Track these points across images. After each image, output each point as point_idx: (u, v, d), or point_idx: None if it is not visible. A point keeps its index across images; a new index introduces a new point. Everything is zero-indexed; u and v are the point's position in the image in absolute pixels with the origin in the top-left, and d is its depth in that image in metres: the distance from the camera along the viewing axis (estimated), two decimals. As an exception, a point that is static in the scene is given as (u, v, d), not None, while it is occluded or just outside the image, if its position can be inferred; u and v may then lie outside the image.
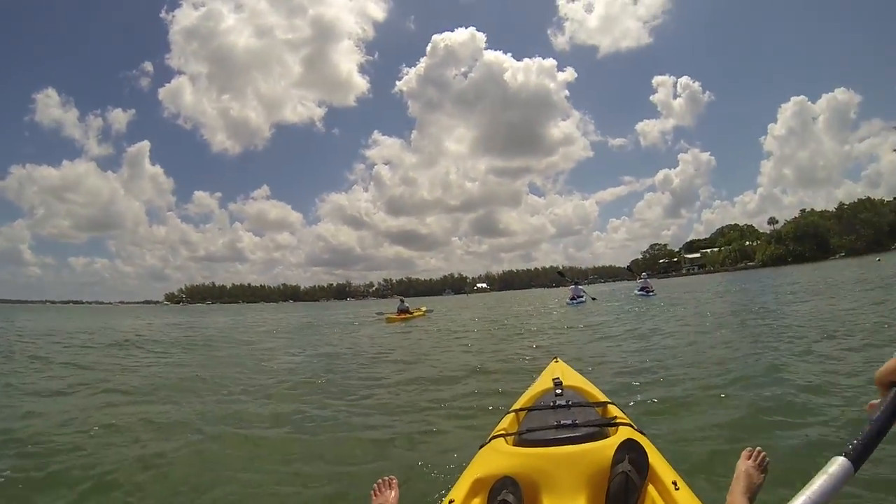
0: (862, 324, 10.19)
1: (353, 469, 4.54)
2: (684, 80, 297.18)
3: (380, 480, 3.01)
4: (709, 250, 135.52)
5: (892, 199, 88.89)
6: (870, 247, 75.42)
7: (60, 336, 19.97)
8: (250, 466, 4.70)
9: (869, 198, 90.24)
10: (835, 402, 5.14)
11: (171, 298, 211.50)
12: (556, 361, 4.45)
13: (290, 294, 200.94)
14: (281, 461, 4.83)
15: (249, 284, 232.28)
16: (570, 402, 3.14)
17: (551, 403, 3.17)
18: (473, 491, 2.43)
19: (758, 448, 2.59)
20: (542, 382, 3.78)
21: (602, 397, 3.41)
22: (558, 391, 3.41)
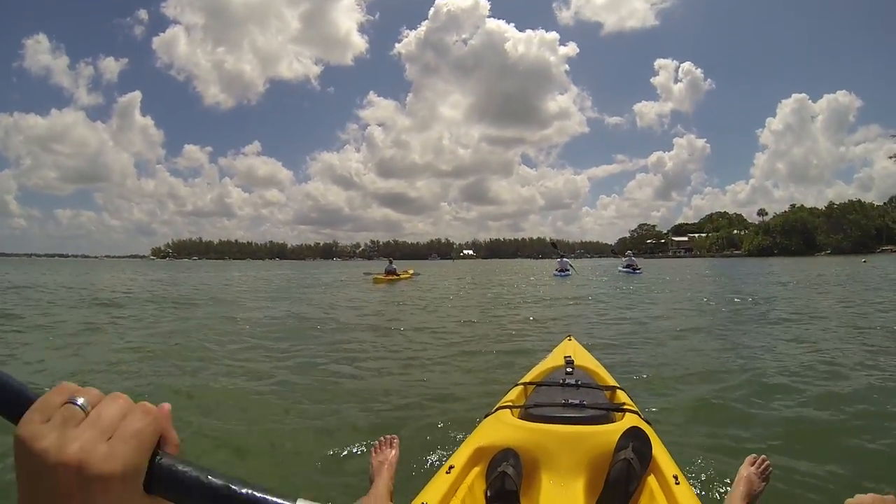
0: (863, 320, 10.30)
1: (349, 428, 4.53)
2: (687, 65, 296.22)
3: (381, 438, 3.05)
4: (696, 235, 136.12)
5: (881, 203, 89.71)
6: (855, 247, 76.34)
7: (36, 291, 19.32)
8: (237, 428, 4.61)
9: (859, 200, 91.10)
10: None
11: (158, 253, 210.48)
12: (570, 340, 4.39)
13: (276, 252, 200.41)
14: (275, 420, 4.79)
15: (236, 241, 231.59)
16: (579, 382, 3.12)
17: (560, 381, 3.15)
18: (474, 459, 2.45)
19: (762, 456, 2.64)
20: (554, 359, 3.76)
21: (612, 381, 3.37)
22: (569, 370, 3.39)
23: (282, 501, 0.49)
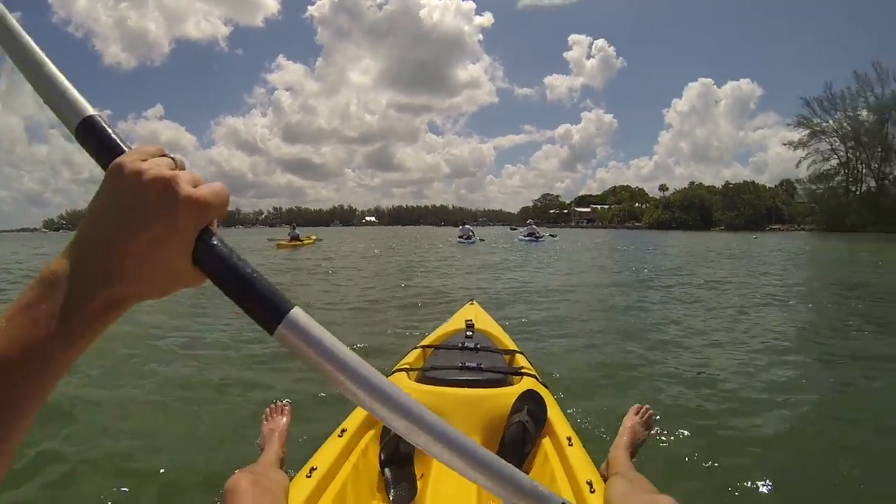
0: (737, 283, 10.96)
1: (236, 399, 4.34)
2: (601, 42, 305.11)
3: (272, 405, 2.95)
4: (599, 206, 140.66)
5: (773, 186, 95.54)
6: (747, 225, 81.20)
7: None
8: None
9: (753, 181, 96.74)
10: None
11: (51, 226, 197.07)
12: (472, 304, 4.41)
13: None
14: (163, 394, 4.50)
15: None
16: (478, 346, 3.13)
17: (459, 344, 3.15)
18: (368, 423, 2.40)
19: (646, 406, 2.72)
20: (454, 322, 3.76)
21: (512, 345, 3.40)
22: (469, 333, 3.39)
23: (284, 302, 0.53)
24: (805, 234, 61.11)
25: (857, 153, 73.81)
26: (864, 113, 73.15)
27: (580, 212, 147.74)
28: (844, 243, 36.45)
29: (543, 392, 2.53)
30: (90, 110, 0.59)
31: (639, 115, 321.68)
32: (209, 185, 0.53)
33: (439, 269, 16.41)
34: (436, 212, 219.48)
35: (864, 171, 73.94)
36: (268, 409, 2.92)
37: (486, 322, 3.83)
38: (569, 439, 2.24)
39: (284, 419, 2.84)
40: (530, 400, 2.41)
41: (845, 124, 74.01)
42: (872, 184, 72.71)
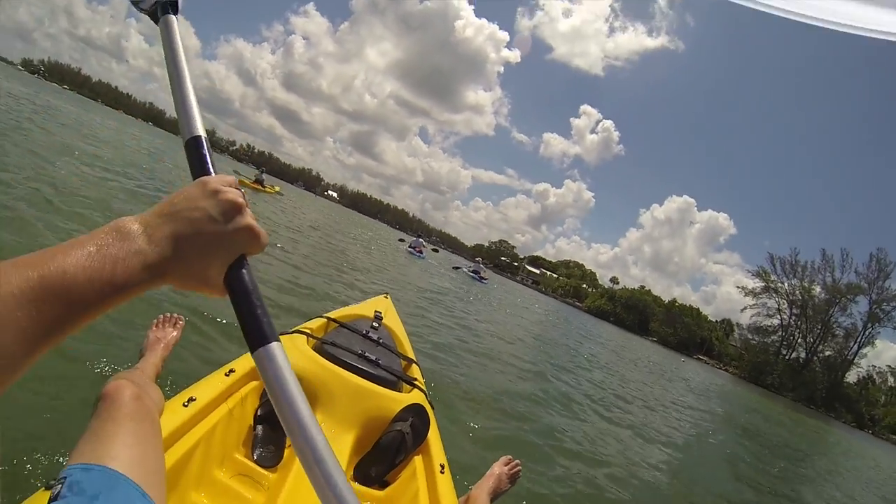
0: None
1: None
2: (609, 123, 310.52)
3: (166, 315, 2.82)
4: (549, 273, 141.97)
5: (713, 320, 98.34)
6: (678, 346, 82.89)
7: None
8: None
9: (698, 309, 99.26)
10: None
11: (28, 66, 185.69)
12: (386, 297, 4.42)
13: (153, 117, 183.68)
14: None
15: (116, 87, 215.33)
16: (381, 340, 3.11)
17: (363, 331, 3.13)
18: (254, 373, 2.33)
19: (517, 460, 2.73)
20: (364, 308, 3.74)
21: (411, 354, 3.42)
22: (375, 324, 3.38)
23: (273, 335, 0.67)
24: (727, 376, 63.12)
25: (799, 322, 76.74)
26: (818, 289, 76.18)
27: (530, 270, 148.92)
28: (763, 398, 37.69)
29: (430, 412, 2.53)
30: (201, 130, 0.78)
31: (617, 204, 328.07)
32: (261, 227, 0.70)
33: (380, 270, 16.17)
34: (396, 214, 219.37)
35: (799, 340, 76.85)
36: (161, 317, 2.79)
37: (393, 320, 3.83)
38: (441, 466, 2.25)
39: (175, 333, 2.73)
40: (416, 414, 2.41)
41: (798, 292, 76.95)
42: (802, 355, 75.39)
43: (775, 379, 69.17)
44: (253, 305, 0.67)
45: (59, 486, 1.03)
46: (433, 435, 2.45)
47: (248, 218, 0.67)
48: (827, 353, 74.21)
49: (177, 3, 0.91)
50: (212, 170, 0.73)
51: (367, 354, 2.75)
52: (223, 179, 0.69)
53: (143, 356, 2.47)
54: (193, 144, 0.76)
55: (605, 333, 40.92)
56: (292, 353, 2.50)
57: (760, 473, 8.64)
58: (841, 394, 68.48)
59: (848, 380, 72.24)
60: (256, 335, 0.66)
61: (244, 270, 0.68)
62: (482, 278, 36.27)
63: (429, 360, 6.11)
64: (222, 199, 0.66)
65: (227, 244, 0.66)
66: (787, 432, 18.58)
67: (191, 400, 1.88)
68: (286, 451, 2.14)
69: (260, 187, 27.80)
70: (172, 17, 0.90)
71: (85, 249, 0.56)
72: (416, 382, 2.88)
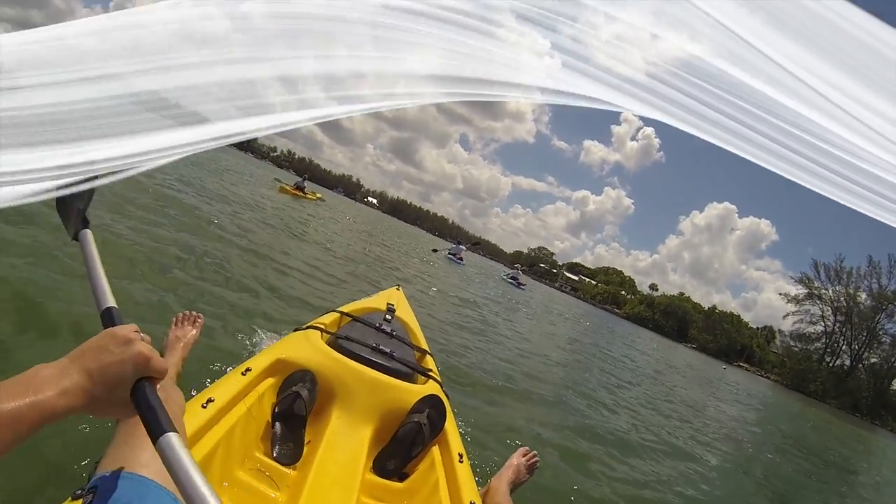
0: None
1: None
2: (649, 130, 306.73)
3: (185, 312, 2.83)
4: (588, 280, 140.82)
5: (754, 327, 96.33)
6: (718, 352, 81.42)
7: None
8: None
9: (739, 315, 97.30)
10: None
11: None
12: (398, 289, 4.43)
13: None
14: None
15: None
16: (394, 333, 3.12)
17: (377, 324, 3.14)
18: (272, 369, 2.37)
19: (534, 451, 2.73)
20: (376, 301, 3.77)
21: (424, 345, 3.40)
22: (388, 317, 3.38)
23: (169, 427, 0.77)
24: (768, 383, 61.69)
25: (844, 329, 74.55)
26: (864, 296, 74.00)
27: (568, 277, 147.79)
28: (806, 405, 37.00)
29: (445, 402, 2.54)
30: (112, 302, 0.99)
31: (656, 211, 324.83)
32: (156, 352, 0.88)
33: (422, 274, 16.10)
34: (435, 220, 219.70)
35: (843, 347, 74.61)
36: (180, 315, 2.82)
37: (406, 312, 3.82)
38: (460, 455, 2.26)
39: (194, 332, 2.75)
40: (432, 405, 2.42)
41: (843, 299, 74.78)
42: (847, 362, 73.38)
43: (818, 386, 67.30)
44: (159, 417, 0.79)
45: (91, 495, 1.04)
46: (450, 425, 2.46)
47: (138, 345, 0.84)
48: (872, 360, 71.96)
49: (87, 219, 1.18)
50: (118, 321, 0.95)
51: (381, 347, 2.75)
52: (126, 328, 0.88)
53: (162, 357, 2.47)
54: (106, 313, 0.97)
55: (645, 341, 40.45)
56: (307, 348, 2.52)
57: (810, 478, 8.52)
58: (887, 401, 66.44)
59: (895, 387, 70.21)
60: (155, 426, 0.78)
61: (147, 387, 0.83)
62: (520, 284, 36.07)
63: (459, 353, 6.21)
64: (119, 337, 0.85)
65: (126, 365, 0.82)
66: (834, 440, 18.08)
67: (209, 401, 1.91)
68: (305, 448, 2.17)
69: (301, 193, 28.04)
70: (87, 230, 1.17)
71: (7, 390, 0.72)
72: (430, 373, 2.88)
